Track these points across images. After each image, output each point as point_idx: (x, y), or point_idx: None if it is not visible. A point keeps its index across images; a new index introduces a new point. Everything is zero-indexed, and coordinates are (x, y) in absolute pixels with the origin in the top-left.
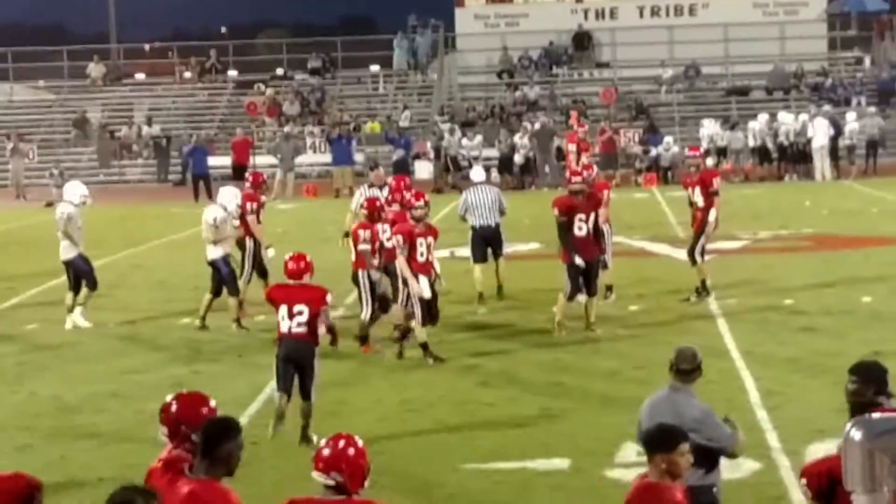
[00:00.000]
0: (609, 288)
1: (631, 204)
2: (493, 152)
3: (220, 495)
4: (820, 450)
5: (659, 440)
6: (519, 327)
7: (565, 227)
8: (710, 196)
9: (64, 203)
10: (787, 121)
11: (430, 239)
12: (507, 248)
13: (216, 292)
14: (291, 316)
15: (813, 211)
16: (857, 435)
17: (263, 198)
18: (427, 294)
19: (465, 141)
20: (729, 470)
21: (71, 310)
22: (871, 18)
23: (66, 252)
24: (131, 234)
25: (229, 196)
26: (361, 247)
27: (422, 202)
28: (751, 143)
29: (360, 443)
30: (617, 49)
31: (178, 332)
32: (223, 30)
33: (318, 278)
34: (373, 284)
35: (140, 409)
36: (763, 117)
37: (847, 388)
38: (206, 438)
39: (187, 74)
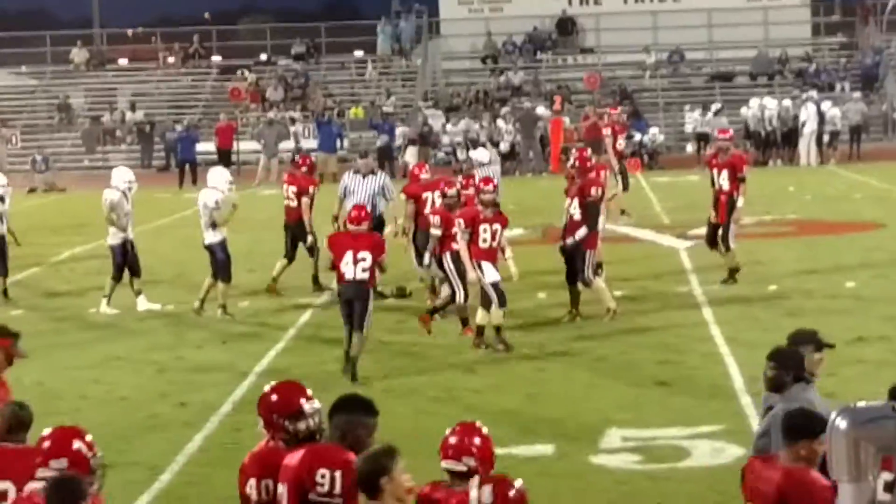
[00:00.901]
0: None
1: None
2: (481, 136)
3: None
4: None
5: (805, 427)
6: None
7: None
8: (736, 181)
9: (108, 189)
10: (772, 106)
11: (497, 226)
12: None
13: (216, 276)
14: (356, 262)
15: (797, 196)
16: (842, 424)
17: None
18: (494, 278)
19: (449, 126)
20: (712, 456)
21: (137, 294)
22: (854, 3)
23: (111, 238)
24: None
25: (222, 178)
26: (434, 231)
27: (490, 186)
28: (751, 126)
29: (485, 429)
30: (601, 34)
31: (162, 318)
32: (206, 15)
33: (304, 262)
34: (459, 265)
35: (124, 395)
36: (755, 102)
37: (765, 374)
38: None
39: (171, 60)
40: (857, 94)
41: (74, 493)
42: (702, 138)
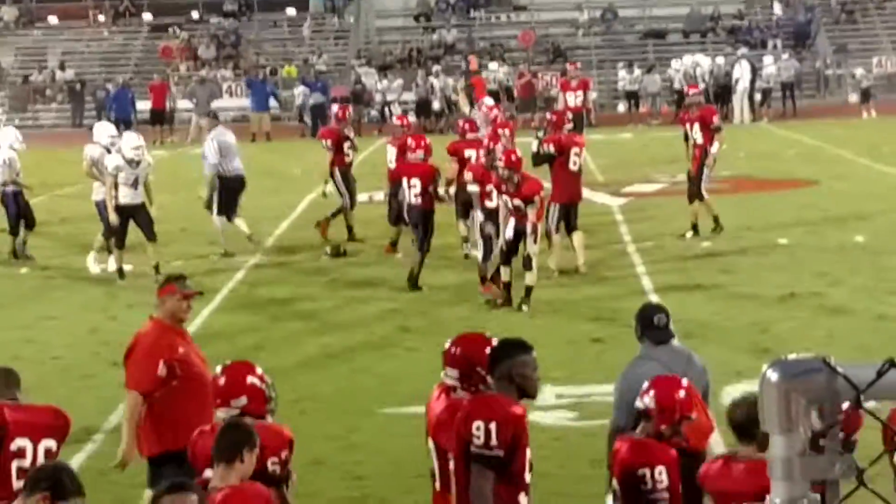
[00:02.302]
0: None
1: None
2: (412, 96)
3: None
4: (736, 391)
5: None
6: (440, 273)
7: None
8: (709, 132)
9: (90, 145)
10: (705, 63)
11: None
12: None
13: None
14: (410, 187)
15: (730, 154)
16: (773, 376)
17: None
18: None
19: (382, 84)
20: None
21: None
22: None
23: (95, 194)
24: (46, 180)
25: (103, 132)
26: (472, 188)
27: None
28: (676, 85)
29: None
30: None
31: (93, 277)
32: None
33: (249, 220)
34: (482, 226)
35: (57, 355)
36: (688, 60)
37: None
38: (493, 359)
39: (101, 18)
40: (787, 53)
41: (245, 438)
42: (631, 97)
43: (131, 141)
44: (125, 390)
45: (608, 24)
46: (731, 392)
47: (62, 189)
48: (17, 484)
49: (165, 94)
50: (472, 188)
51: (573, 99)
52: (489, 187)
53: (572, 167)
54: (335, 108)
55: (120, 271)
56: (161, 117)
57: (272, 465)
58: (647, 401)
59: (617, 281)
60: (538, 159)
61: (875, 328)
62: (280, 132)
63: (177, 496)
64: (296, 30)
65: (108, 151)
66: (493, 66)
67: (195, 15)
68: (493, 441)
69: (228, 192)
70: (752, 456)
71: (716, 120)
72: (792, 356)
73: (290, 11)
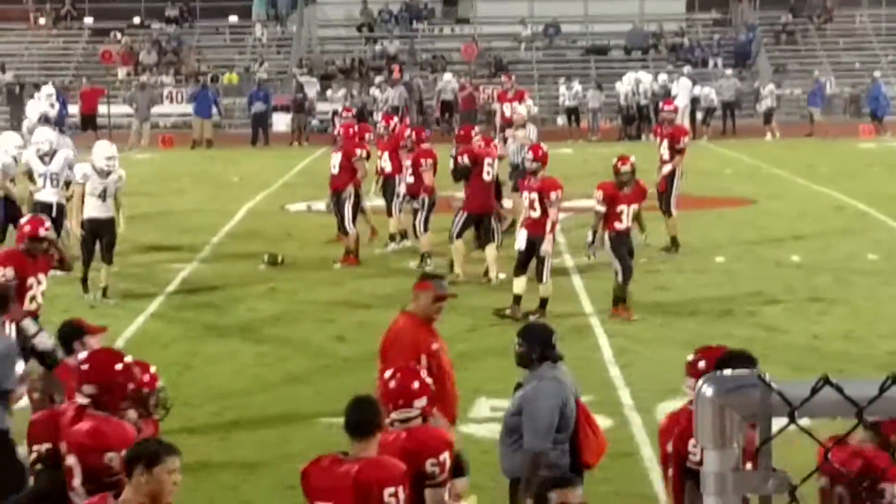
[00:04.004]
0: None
1: None
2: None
3: None
4: (670, 407)
5: None
6: (377, 282)
7: None
8: (675, 151)
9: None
10: (647, 81)
11: (535, 195)
12: (367, 203)
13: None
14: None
15: None
16: (708, 391)
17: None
18: (517, 246)
19: (328, 94)
20: None
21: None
22: None
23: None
24: None
25: (9, 142)
26: (600, 208)
27: (531, 154)
28: (622, 102)
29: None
30: (478, 5)
31: None
32: None
33: (175, 228)
34: (616, 246)
35: None
36: (631, 76)
37: (515, 350)
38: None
39: (42, 21)
40: (730, 71)
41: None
42: (571, 112)
43: (104, 150)
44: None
45: (551, 39)
46: (666, 408)
47: None
48: None
49: (97, 99)
50: (601, 209)
51: (508, 110)
52: (619, 208)
53: (486, 177)
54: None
55: (84, 282)
56: (92, 123)
57: (430, 466)
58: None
59: (553, 296)
60: (457, 174)
61: (810, 346)
62: (222, 140)
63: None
64: (238, 37)
65: (15, 161)
66: (447, 76)
67: (137, 20)
68: None
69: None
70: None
71: (683, 141)
72: (727, 371)
73: (233, 19)
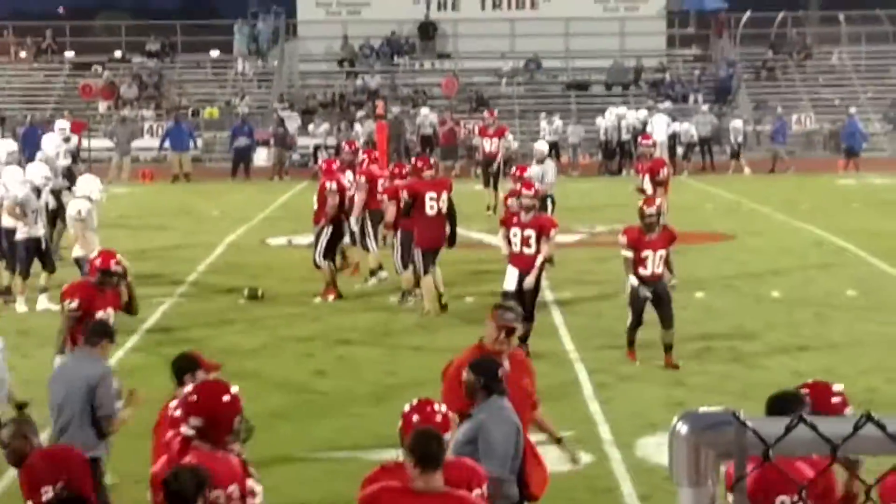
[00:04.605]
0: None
1: (470, 195)
2: (334, 141)
3: None
4: (650, 443)
5: None
6: (357, 317)
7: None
8: (656, 184)
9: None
10: (629, 116)
11: (530, 231)
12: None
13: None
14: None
15: None
16: (683, 429)
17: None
18: (509, 286)
19: (310, 128)
20: (560, 462)
21: (41, 291)
22: (709, 17)
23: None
24: None
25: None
26: (626, 254)
27: (531, 191)
28: (602, 137)
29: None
30: (459, 40)
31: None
32: (61, 10)
33: (156, 262)
34: (637, 291)
35: None
36: (614, 111)
37: (463, 379)
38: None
39: (23, 54)
40: (706, 107)
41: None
42: (552, 147)
43: (97, 183)
44: None
45: (531, 74)
46: (645, 444)
47: None
48: None
49: (79, 133)
50: (627, 254)
51: (489, 145)
52: (644, 253)
53: (429, 212)
54: (360, 153)
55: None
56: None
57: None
58: None
59: (536, 330)
60: (405, 209)
61: (790, 383)
62: (202, 173)
63: None
64: (220, 71)
65: (38, 193)
66: (424, 111)
67: (118, 54)
68: None
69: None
70: None
71: (662, 173)
72: (703, 409)
73: (215, 53)
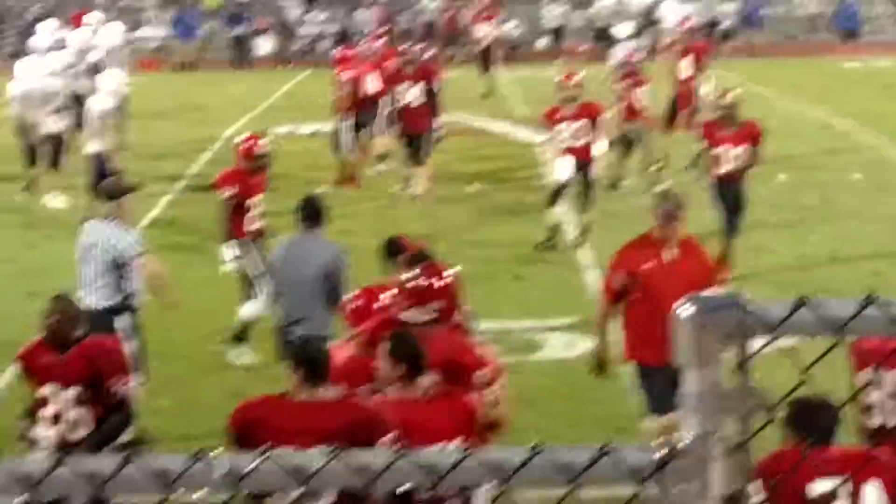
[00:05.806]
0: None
1: (474, 82)
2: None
3: None
4: None
5: None
6: (359, 206)
7: None
8: (698, 69)
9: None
10: (636, 0)
11: (579, 122)
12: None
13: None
14: None
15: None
16: (688, 311)
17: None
18: (563, 176)
19: (309, 16)
20: (564, 349)
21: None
22: None
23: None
24: None
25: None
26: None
27: (571, 82)
28: (599, 23)
29: None
30: None
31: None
32: None
33: (156, 155)
34: None
35: None
36: None
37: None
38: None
39: None
40: None
41: None
42: (556, 32)
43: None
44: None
45: None
46: None
47: None
48: None
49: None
50: (703, 146)
51: (479, 31)
52: (719, 150)
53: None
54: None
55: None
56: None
57: None
58: None
59: (538, 219)
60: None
61: (796, 266)
62: (204, 63)
63: None
64: None
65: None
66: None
67: None
68: None
69: None
70: None
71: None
72: (708, 292)
73: None
